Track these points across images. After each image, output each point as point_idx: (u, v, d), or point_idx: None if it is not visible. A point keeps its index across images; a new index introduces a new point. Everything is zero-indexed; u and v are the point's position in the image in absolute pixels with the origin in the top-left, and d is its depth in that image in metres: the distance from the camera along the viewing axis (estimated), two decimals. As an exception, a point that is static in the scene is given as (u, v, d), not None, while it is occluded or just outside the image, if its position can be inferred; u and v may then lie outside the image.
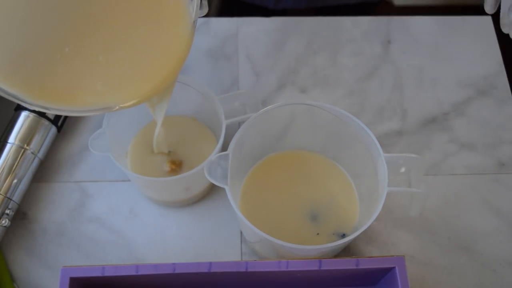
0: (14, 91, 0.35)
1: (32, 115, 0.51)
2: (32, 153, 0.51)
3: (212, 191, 0.54)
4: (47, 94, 0.36)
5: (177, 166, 0.51)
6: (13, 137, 0.51)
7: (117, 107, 0.38)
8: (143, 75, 0.39)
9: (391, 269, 0.43)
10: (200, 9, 0.39)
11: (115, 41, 0.37)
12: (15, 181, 0.50)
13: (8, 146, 0.50)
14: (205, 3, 0.40)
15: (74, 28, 0.36)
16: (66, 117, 0.55)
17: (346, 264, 0.42)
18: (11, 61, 0.35)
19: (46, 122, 0.52)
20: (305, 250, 0.42)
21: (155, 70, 0.39)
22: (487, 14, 0.65)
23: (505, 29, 0.41)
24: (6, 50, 0.35)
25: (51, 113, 0.35)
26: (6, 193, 0.49)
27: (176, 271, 0.42)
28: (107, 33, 0.37)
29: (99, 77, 0.37)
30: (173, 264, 0.42)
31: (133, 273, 0.41)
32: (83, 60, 0.36)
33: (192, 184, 0.49)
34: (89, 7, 0.36)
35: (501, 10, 0.41)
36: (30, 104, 0.36)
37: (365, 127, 0.45)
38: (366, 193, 0.49)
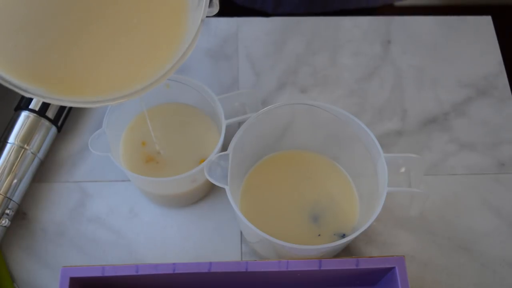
0: (30, 80, 0.35)
1: (32, 115, 0.51)
2: (32, 153, 0.51)
3: (212, 191, 0.54)
4: (63, 83, 0.36)
5: (152, 159, 0.51)
6: (13, 137, 0.51)
7: (123, 97, 0.38)
8: (151, 61, 0.39)
9: (391, 269, 0.43)
10: (210, 7, 0.39)
11: (123, 28, 0.38)
12: (15, 181, 0.50)
13: (8, 146, 0.50)
14: (216, 1, 0.40)
15: (81, 18, 0.37)
16: (66, 117, 0.55)
17: (346, 264, 0.42)
18: (25, 51, 0.36)
19: (46, 122, 0.52)
20: (305, 250, 0.42)
21: (161, 60, 0.39)
22: (487, 14, 0.65)
23: None
24: (23, 40, 0.36)
25: (64, 105, 0.36)
26: (6, 193, 0.49)
27: (176, 271, 0.42)
28: (116, 20, 0.37)
29: (105, 66, 0.38)
30: (173, 264, 0.42)
31: (133, 273, 0.41)
32: (92, 48, 0.37)
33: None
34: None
35: None
36: (42, 97, 0.35)
37: (365, 127, 0.45)
38: (366, 193, 0.49)
